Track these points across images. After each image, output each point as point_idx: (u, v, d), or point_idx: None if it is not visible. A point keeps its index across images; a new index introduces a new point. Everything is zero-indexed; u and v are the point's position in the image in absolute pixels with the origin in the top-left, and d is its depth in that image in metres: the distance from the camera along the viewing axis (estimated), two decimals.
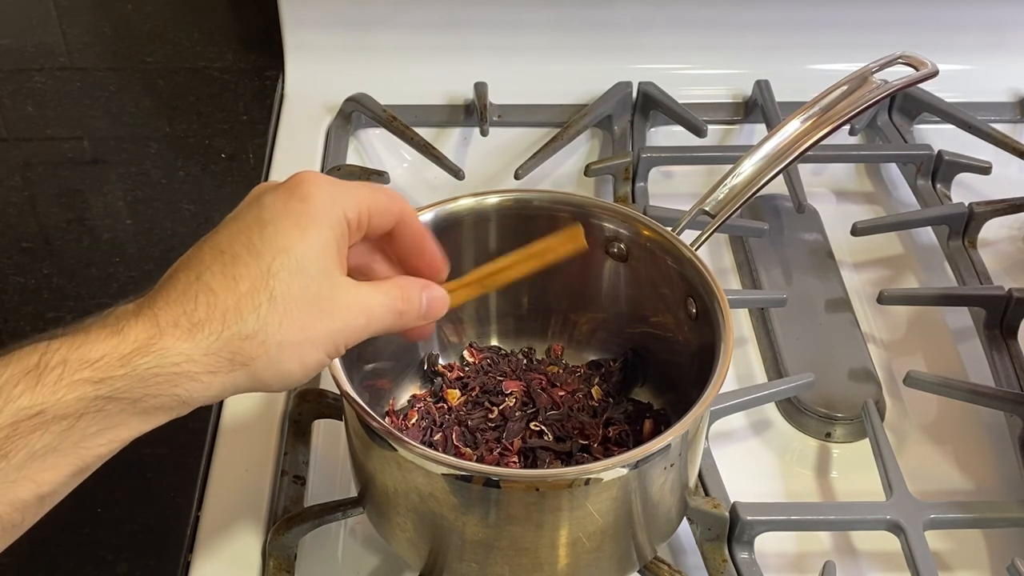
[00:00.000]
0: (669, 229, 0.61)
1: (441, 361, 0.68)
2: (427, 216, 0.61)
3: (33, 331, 0.43)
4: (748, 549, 0.61)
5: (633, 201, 0.84)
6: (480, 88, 0.91)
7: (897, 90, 0.63)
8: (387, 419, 0.64)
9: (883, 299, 0.75)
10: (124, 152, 0.88)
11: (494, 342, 0.69)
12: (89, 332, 0.44)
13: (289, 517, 0.60)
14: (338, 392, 0.54)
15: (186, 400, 0.45)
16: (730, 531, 0.61)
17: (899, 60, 0.65)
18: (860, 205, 0.90)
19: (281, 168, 0.86)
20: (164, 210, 0.82)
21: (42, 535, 0.60)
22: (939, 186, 0.87)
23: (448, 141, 0.92)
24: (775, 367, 0.73)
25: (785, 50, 0.95)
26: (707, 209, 0.62)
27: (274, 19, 0.94)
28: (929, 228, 0.85)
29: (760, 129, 0.92)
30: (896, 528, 0.61)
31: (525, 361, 0.68)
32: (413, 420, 0.64)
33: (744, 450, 0.70)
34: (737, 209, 0.61)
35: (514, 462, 0.61)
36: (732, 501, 0.62)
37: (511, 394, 0.65)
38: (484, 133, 0.89)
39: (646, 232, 0.62)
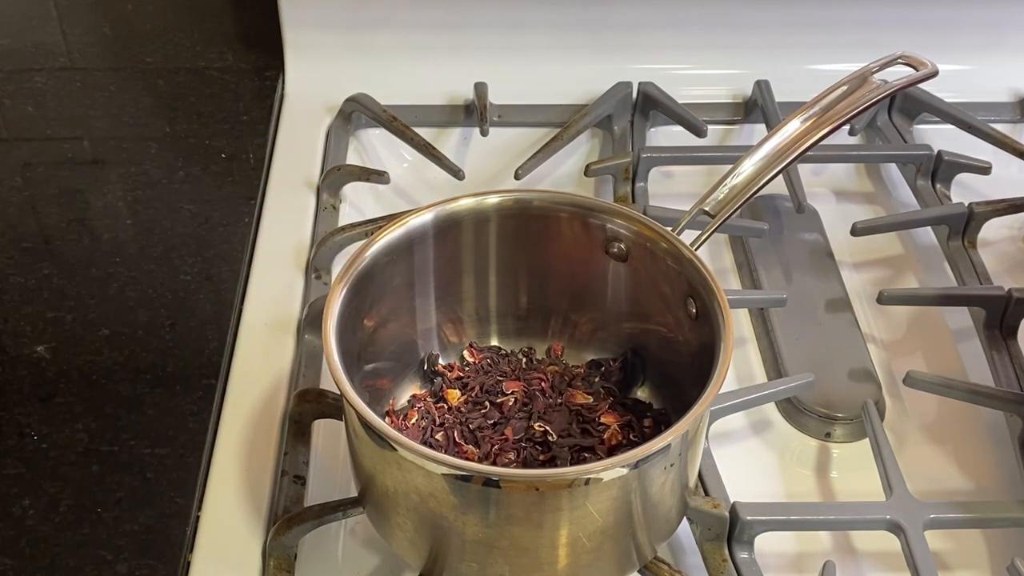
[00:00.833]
0: (669, 229, 0.61)
1: (441, 361, 0.68)
2: (427, 216, 0.61)
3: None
4: (748, 549, 0.61)
5: (633, 201, 0.84)
6: (480, 88, 0.91)
7: (897, 90, 0.63)
8: (387, 419, 0.64)
9: (883, 299, 0.75)
10: (124, 152, 0.88)
11: (494, 342, 0.69)
12: None
13: (289, 517, 0.60)
14: (338, 392, 0.54)
15: None
16: (730, 531, 0.61)
17: (899, 60, 0.65)
18: (860, 205, 0.90)
19: (281, 168, 0.86)
20: (164, 210, 0.82)
21: (42, 535, 0.60)
22: (939, 186, 0.87)
23: (448, 141, 0.92)
24: (775, 367, 0.73)
25: (785, 50, 0.95)
26: (707, 209, 0.62)
27: (274, 19, 0.93)
28: (929, 228, 0.85)
29: (760, 129, 0.92)
30: (896, 528, 0.61)
31: (525, 361, 0.68)
32: (413, 420, 0.64)
33: (744, 450, 0.70)
34: (737, 209, 0.62)
35: (514, 462, 0.61)
36: (732, 501, 0.62)
37: (511, 394, 0.65)
38: (484, 133, 0.89)
39: (646, 232, 0.62)
